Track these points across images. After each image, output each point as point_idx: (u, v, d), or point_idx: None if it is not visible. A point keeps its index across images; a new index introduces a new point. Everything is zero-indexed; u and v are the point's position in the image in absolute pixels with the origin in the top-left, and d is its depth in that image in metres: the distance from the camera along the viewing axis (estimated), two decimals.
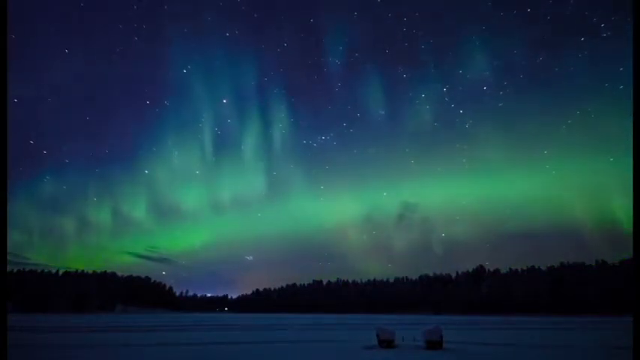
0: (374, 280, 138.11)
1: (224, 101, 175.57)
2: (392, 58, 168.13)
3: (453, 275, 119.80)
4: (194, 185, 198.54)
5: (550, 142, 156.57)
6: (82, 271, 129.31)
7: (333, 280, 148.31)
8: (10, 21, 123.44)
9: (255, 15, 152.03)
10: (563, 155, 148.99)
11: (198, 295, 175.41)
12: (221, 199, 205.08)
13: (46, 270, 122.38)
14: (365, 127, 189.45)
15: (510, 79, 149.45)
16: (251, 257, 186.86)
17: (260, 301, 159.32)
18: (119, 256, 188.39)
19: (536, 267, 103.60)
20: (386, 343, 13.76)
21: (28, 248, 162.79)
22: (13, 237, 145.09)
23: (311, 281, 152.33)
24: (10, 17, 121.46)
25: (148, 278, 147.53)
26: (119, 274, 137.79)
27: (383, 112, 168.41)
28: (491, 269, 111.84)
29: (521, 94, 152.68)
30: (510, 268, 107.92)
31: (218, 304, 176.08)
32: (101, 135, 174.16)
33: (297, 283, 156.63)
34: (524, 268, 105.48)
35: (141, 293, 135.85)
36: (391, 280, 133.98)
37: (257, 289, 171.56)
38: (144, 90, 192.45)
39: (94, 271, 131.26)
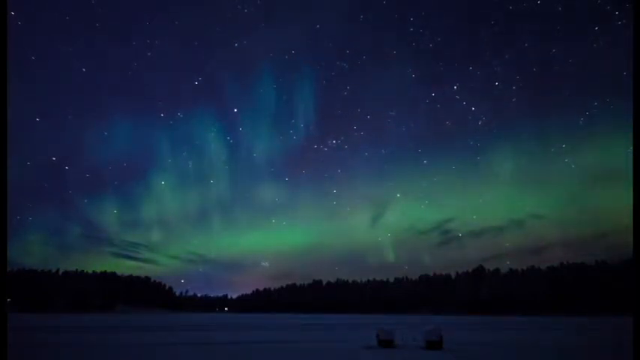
0: (374, 279, 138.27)
1: (235, 110, 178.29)
2: (400, 59, 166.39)
3: (453, 275, 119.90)
4: (208, 194, 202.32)
5: (568, 136, 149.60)
6: (82, 271, 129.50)
7: (332, 280, 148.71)
8: (29, 42, 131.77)
9: (263, 25, 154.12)
10: (582, 148, 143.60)
11: (199, 295, 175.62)
12: (234, 206, 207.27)
13: (46, 270, 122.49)
14: (375, 130, 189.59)
15: (523, 73, 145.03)
16: (267, 263, 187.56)
17: (260, 301, 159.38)
18: (133, 262, 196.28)
19: (536, 267, 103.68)
20: (386, 343, 13.76)
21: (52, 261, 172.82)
22: (37, 252, 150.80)
23: (311, 281, 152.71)
24: (29, 39, 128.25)
25: (147, 278, 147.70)
26: (119, 273, 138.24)
27: (393, 114, 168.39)
28: (492, 269, 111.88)
29: (534, 89, 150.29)
30: (510, 269, 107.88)
31: (218, 304, 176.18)
32: (118, 149, 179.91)
33: (297, 283, 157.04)
34: (524, 268, 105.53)
35: (141, 293, 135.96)
36: (391, 280, 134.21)
37: (257, 289, 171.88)
38: (157, 103, 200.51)
39: (93, 271, 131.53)
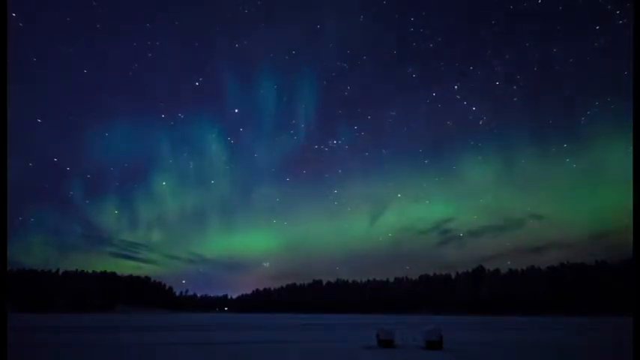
0: (374, 279, 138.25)
1: (235, 111, 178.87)
2: (400, 59, 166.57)
3: (453, 275, 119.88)
4: (209, 194, 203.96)
5: (569, 136, 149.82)
6: (83, 271, 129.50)
7: (332, 280, 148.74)
8: (30, 43, 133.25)
9: (263, 25, 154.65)
10: (583, 148, 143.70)
11: (199, 295, 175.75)
12: (235, 206, 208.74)
13: (46, 270, 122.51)
14: (376, 130, 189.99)
15: (523, 73, 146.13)
16: (268, 263, 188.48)
17: (260, 301, 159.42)
18: (133, 262, 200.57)
19: (536, 267, 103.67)
20: (386, 343, 13.76)
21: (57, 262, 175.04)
22: (37, 252, 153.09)
23: (311, 281, 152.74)
24: (30, 40, 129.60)
25: (147, 278, 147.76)
26: (119, 273, 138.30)
27: (394, 114, 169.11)
28: (492, 269, 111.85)
29: (535, 88, 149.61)
30: (510, 269, 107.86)
31: (218, 304, 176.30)
32: (120, 150, 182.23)
33: (297, 283, 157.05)
34: (524, 268, 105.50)
35: (141, 293, 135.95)
36: (391, 280, 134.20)
37: (257, 289, 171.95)
38: (159, 104, 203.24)
39: (93, 271, 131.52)
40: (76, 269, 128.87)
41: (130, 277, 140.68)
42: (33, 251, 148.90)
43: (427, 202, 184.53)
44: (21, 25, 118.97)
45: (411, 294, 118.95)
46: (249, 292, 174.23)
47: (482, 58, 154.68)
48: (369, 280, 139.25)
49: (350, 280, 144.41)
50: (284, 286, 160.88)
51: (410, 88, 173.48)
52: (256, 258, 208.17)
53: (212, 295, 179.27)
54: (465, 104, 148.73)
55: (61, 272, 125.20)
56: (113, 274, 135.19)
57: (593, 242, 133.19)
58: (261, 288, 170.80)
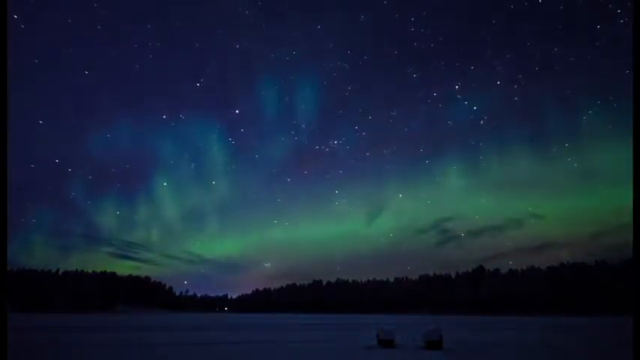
0: (374, 279, 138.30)
1: (236, 111, 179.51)
2: (401, 59, 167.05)
3: (453, 275, 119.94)
4: (210, 194, 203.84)
5: (571, 135, 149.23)
6: (83, 271, 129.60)
7: (332, 280, 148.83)
8: (30, 45, 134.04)
9: (264, 26, 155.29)
10: (583, 148, 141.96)
11: (199, 295, 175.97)
12: (236, 206, 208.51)
13: (46, 270, 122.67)
14: (377, 130, 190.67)
15: (524, 72, 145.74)
16: (269, 264, 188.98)
17: (260, 301, 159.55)
18: (134, 263, 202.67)
19: (536, 267, 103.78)
20: (386, 343, 13.76)
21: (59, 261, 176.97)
22: (39, 253, 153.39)
23: (311, 281, 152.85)
24: (30, 41, 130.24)
25: (147, 278, 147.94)
26: (119, 273, 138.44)
27: (394, 114, 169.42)
28: (492, 269, 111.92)
29: (536, 87, 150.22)
30: (510, 269, 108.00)
31: (218, 304, 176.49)
32: (121, 151, 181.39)
33: (297, 283, 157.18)
34: (524, 268, 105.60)
35: (141, 293, 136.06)
36: (391, 280, 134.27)
37: (257, 289, 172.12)
38: (160, 105, 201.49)
39: (93, 271, 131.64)
40: (76, 269, 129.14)
41: (130, 277, 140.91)
42: (34, 251, 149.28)
43: (428, 202, 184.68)
44: (22, 26, 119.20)
45: (411, 294, 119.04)
46: (249, 292, 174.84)
47: (483, 58, 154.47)
48: (369, 280, 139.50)
49: (350, 280, 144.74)
50: (284, 286, 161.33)
51: (410, 88, 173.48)
52: (256, 258, 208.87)
53: (212, 295, 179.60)
54: (465, 104, 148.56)
55: (61, 272, 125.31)
56: (113, 274, 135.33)
57: (593, 242, 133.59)
58: (261, 288, 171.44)
